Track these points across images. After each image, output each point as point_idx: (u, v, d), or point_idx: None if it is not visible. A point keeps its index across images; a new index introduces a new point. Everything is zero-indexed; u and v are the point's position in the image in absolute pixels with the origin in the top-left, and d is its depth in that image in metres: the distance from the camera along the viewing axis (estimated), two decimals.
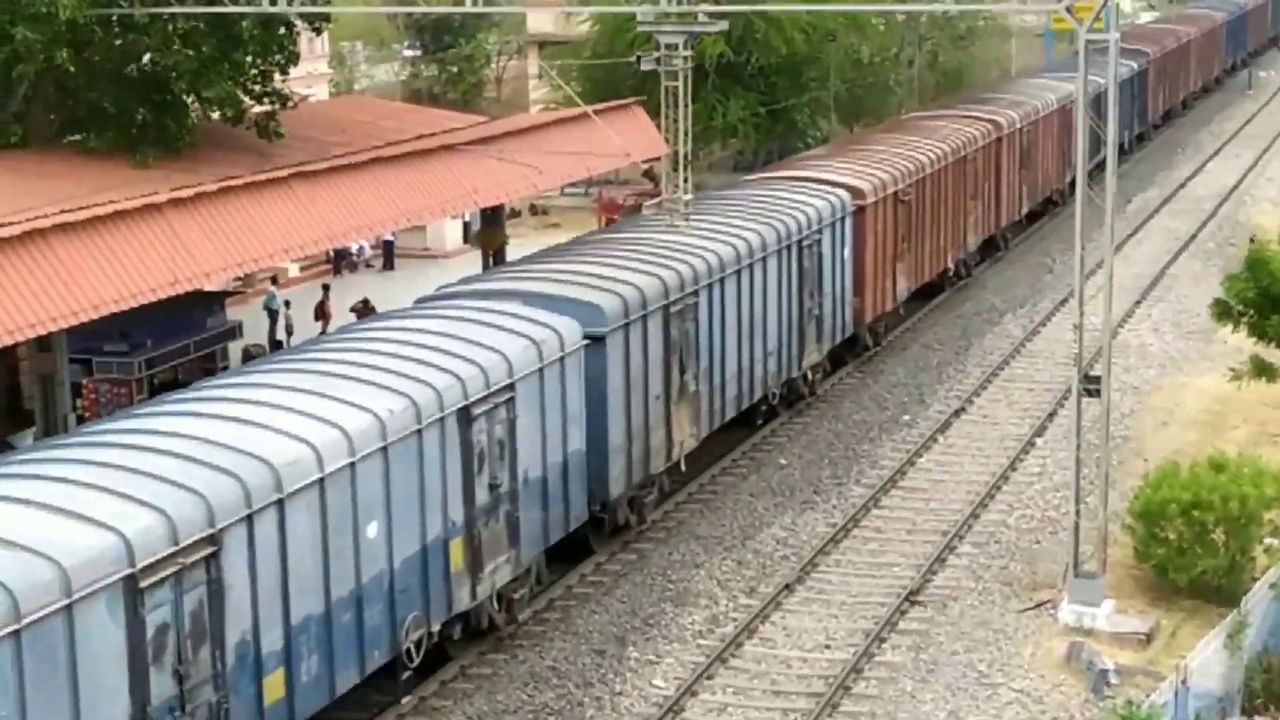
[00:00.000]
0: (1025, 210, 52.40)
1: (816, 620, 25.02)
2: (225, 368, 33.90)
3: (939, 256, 44.49)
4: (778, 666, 23.53)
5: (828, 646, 24.05)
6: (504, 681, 23.12)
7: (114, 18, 29.95)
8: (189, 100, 32.30)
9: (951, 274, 46.82)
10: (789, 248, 34.17)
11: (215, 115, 33.22)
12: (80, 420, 29.03)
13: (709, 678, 23.06)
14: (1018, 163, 50.77)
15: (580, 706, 22.43)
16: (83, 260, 25.44)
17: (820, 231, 35.92)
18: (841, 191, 38.14)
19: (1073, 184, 27.32)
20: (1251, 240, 38.69)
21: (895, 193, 40.35)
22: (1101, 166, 26.53)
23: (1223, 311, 29.57)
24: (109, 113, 31.68)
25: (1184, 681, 20.66)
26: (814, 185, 38.09)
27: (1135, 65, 64.70)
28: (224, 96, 31.74)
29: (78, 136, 31.97)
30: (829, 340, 37.04)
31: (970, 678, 23.13)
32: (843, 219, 37.35)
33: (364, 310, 38.76)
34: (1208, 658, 21.63)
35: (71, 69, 29.98)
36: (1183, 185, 61.27)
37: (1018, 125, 50.77)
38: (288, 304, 42.48)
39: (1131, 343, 38.91)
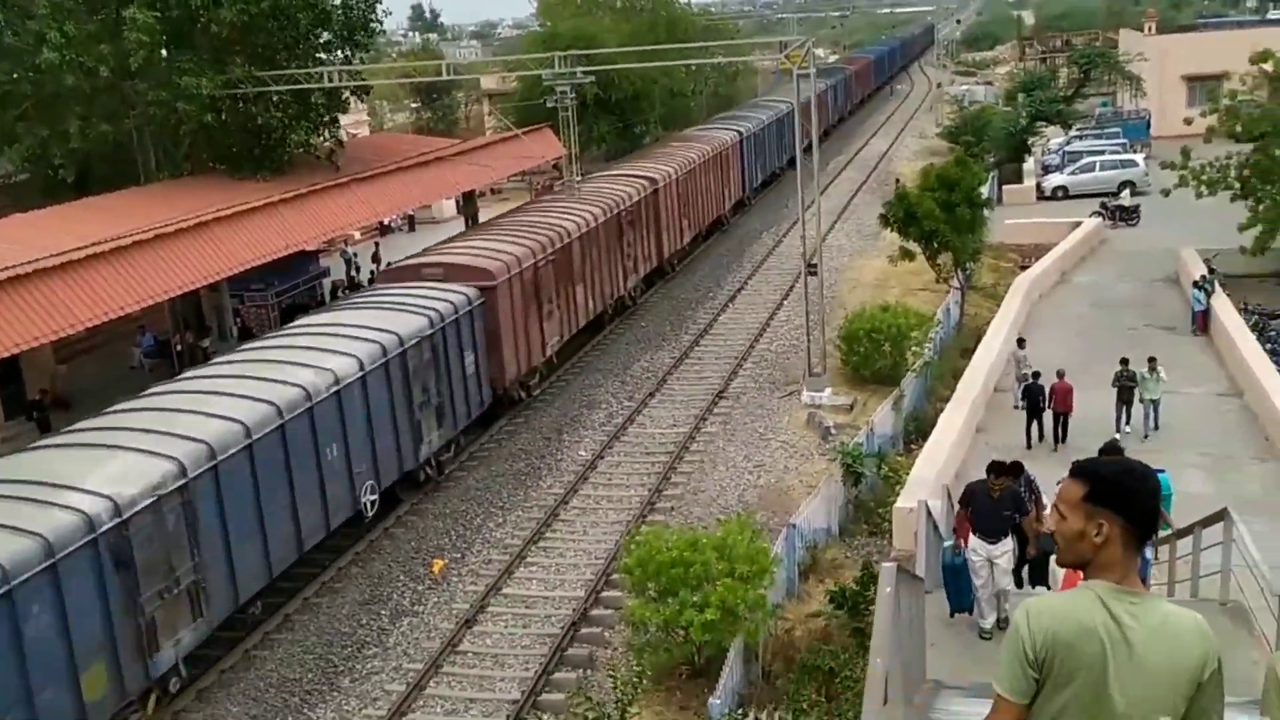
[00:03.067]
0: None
1: (667, 411, 25.10)
2: (320, 298, 33.41)
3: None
4: (647, 438, 23.62)
5: (674, 425, 24.15)
6: (495, 460, 23.08)
7: (237, 94, 28.92)
8: (287, 141, 31.41)
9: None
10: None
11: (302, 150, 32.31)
12: (241, 329, 28.46)
13: (609, 448, 23.13)
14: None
15: (539, 470, 22.46)
16: (233, 238, 24.95)
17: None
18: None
19: (793, 160, 27.30)
20: (897, 182, 38.89)
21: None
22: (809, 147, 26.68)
23: (884, 221, 29.64)
24: (238, 151, 30.76)
25: (871, 429, 21.07)
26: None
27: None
28: (300, 141, 30.82)
29: (223, 167, 30.96)
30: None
31: (755, 435, 23.39)
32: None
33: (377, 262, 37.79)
34: (884, 415, 22.05)
35: (215, 126, 29.02)
36: (858, 152, 61.41)
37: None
38: (356, 255, 41.63)
39: (834, 243, 39.10)
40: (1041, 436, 20.34)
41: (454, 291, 22.63)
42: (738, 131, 46.52)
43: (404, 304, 21.68)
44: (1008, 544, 11.68)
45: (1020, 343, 23.24)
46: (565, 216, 29.17)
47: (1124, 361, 20.58)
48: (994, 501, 11.73)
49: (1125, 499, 3.50)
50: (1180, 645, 3.41)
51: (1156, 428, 20.40)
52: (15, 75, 26.97)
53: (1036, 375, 20.64)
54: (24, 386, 26.90)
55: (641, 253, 33.48)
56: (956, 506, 12.71)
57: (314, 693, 15.42)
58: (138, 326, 29.10)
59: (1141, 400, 20.35)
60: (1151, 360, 20.48)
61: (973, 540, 11.67)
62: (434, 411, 21.00)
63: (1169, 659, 3.40)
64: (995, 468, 12.02)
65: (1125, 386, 20.38)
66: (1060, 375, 20.32)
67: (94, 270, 21.11)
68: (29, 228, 23.90)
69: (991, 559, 11.49)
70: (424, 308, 21.46)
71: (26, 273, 19.68)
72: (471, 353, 22.45)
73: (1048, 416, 20.28)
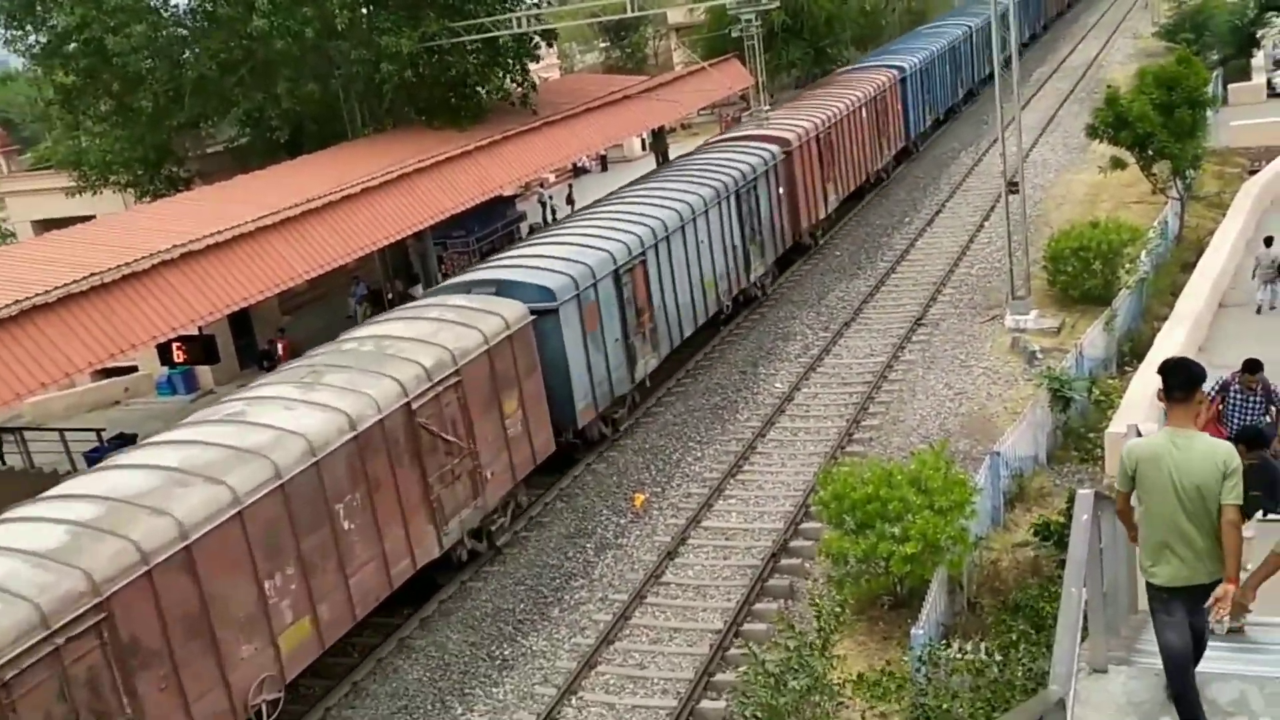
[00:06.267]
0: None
1: (864, 341, 24.73)
2: (521, 239, 34.16)
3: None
4: (844, 369, 23.38)
5: (871, 355, 23.80)
6: (691, 395, 23.31)
7: (433, 47, 29.69)
8: (481, 89, 32.08)
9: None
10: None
11: (496, 97, 32.88)
12: (444, 276, 29.50)
13: (806, 380, 23.02)
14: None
15: (735, 404, 22.58)
16: (433, 187, 25.80)
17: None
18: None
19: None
20: (1108, 87, 36.48)
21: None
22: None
23: (1093, 131, 27.93)
24: (436, 102, 31.68)
25: (1081, 352, 20.18)
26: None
27: None
28: (495, 87, 31.48)
29: (422, 118, 31.96)
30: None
31: (956, 362, 22.79)
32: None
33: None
34: (1094, 337, 21.08)
35: (414, 80, 29.94)
36: (1064, 60, 57.91)
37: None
38: (551, 197, 42.55)
39: (1038, 159, 37.31)
40: None
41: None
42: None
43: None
44: (1250, 526, 8.80)
45: (1268, 241, 21.66)
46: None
47: None
48: None
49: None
50: (1209, 456, 6.52)
51: None
52: (230, 44, 28.52)
53: None
54: (255, 338, 28.88)
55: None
56: None
57: (526, 622, 16.12)
58: (352, 277, 30.64)
59: None
60: None
61: None
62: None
63: (1202, 461, 6.51)
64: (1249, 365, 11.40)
65: None
66: None
67: (309, 225, 22.29)
68: (250, 188, 25.45)
69: None
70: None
71: (250, 230, 20.96)
72: None
73: None
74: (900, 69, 39.62)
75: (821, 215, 31.95)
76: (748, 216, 27.17)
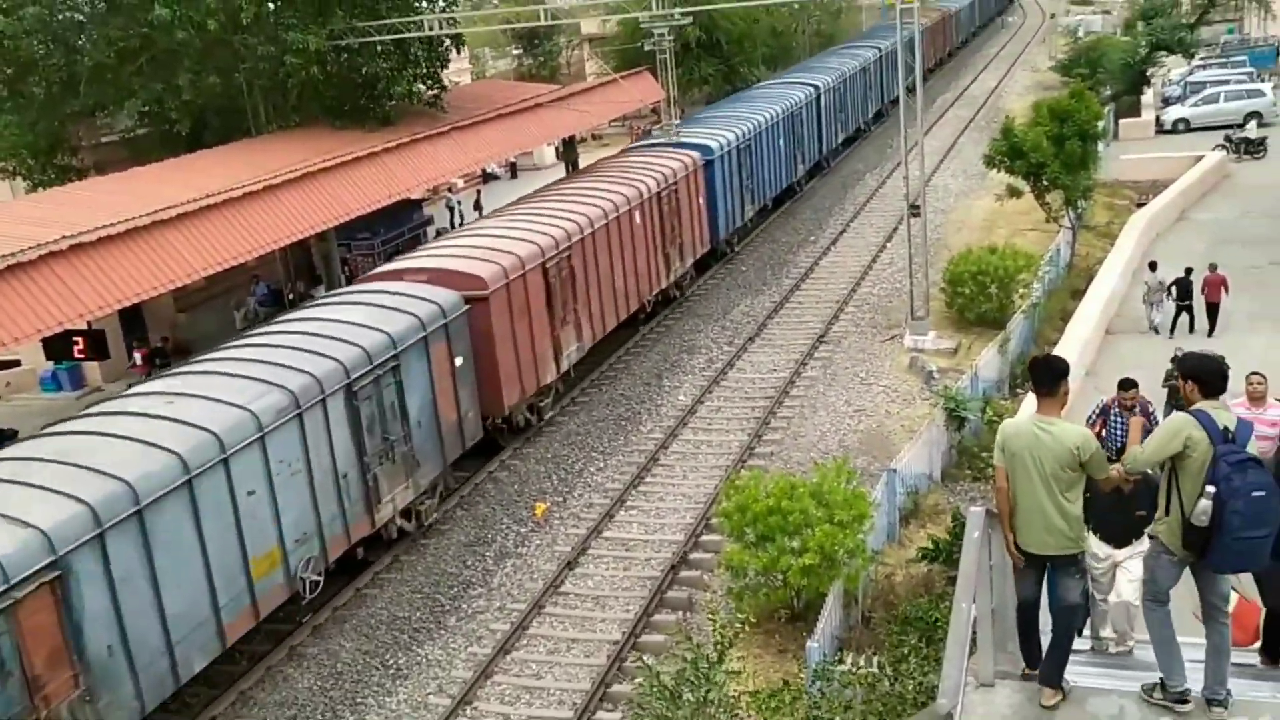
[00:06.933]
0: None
1: (767, 356, 24.95)
2: (426, 242, 33.70)
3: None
4: (747, 383, 23.56)
5: (774, 370, 24.04)
6: (595, 406, 23.27)
7: (341, 46, 29.22)
8: (390, 92, 31.66)
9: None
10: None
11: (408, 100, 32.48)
12: (348, 278, 29.02)
13: (709, 393, 23.13)
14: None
15: (639, 415, 22.59)
16: (339, 187, 25.36)
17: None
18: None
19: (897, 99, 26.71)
20: (1005, 118, 37.50)
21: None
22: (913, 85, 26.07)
23: (989, 160, 28.72)
24: (344, 102, 31.17)
25: (976, 373, 20.68)
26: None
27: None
28: (404, 91, 31.06)
29: (329, 118, 31.39)
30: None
31: (856, 380, 23.16)
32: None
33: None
34: (989, 359, 21.63)
35: (321, 78, 29.42)
36: (965, 89, 59.53)
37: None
38: (459, 202, 42.16)
39: (939, 184, 38.18)
40: (1192, 326, 22.65)
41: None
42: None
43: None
44: (1140, 545, 8.55)
45: (1152, 266, 23.08)
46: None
47: (1176, 360, 17.92)
48: (1119, 498, 8.23)
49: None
50: (1064, 442, 7.19)
51: None
52: (130, 32, 27.68)
53: (1189, 271, 22.86)
54: (147, 336, 28.01)
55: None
56: None
57: (422, 630, 15.92)
58: (252, 276, 29.94)
59: None
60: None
61: (1091, 541, 8.64)
62: None
63: (1057, 447, 7.19)
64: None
65: (1175, 388, 17.84)
66: (1213, 268, 22.58)
67: (208, 221, 21.70)
68: (147, 180, 24.69)
69: (1116, 564, 8.90)
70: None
71: (145, 224, 20.32)
72: None
73: (1199, 308, 22.65)
74: (705, 149, 30.81)
75: (549, 378, 22.03)
76: (379, 421, 16.61)
